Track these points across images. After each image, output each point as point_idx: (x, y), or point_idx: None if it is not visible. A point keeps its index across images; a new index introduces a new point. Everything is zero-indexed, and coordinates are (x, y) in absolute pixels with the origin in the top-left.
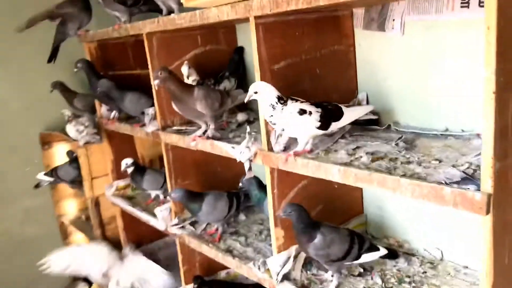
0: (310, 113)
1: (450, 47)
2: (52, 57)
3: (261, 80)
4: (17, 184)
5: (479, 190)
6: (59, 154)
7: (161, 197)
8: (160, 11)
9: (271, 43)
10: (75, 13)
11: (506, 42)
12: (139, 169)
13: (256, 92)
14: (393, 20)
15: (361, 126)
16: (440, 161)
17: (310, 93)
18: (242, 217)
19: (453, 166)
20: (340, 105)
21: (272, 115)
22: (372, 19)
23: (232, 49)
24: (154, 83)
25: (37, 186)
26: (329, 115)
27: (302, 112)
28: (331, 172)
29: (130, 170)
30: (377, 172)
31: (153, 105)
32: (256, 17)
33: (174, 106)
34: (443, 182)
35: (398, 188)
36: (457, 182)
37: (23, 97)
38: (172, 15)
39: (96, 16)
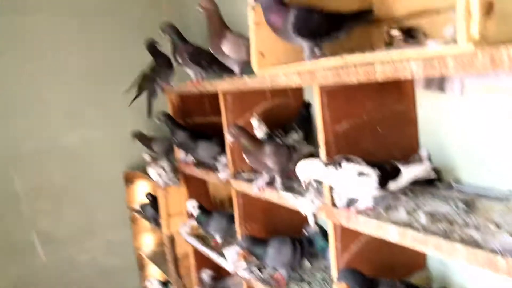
0: (368, 174)
1: (511, 109)
2: (150, 112)
3: (325, 139)
4: (102, 217)
5: None
6: (140, 191)
7: (220, 240)
8: (230, 71)
9: (334, 106)
10: (163, 72)
11: None
12: (205, 212)
13: (305, 180)
14: (452, 81)
15: (422, 182)
16: (498, 226)
17: (372, 151)
18: (306, 263)
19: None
20: (398, 164)
21: (330, 180)
22: (432, 80)
23: (299, 103)
24: (228, 139)
25: (136, 211)
26: (386, 175)
27: (360, 174)
28: (390, 233)
29: (196, 212)
30: (433, 236)
31: (222, 151)
32: (320, 86)
33: (245, 158)
34: (498, 251)
35: (454, 254)
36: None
37: (111, 137)
38: (245, 77)
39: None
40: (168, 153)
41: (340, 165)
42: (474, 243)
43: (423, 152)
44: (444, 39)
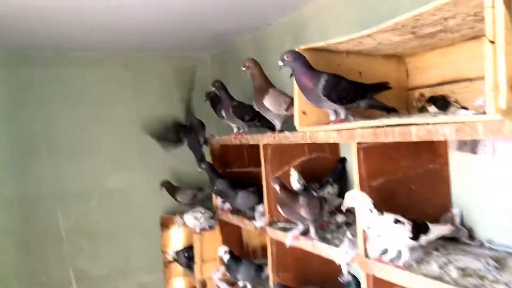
0: (404, 223)
1: None
2: (201, 161)
3: None
4: (137, 259)
5: None
6: (174, 236)
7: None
8: (270, 126)
9: (370, 163)
10: (198, 124)
11: None
12: (235, 259)
13: (353, 198)
14: (485, 145)
15: (454, 239)
16: None
17: (405, 207)
18: None
19: None
20: (426, 222)
21: (369, 219)
22: (465, 142)
23: (335, 157)
24: (274, 187)
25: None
26: (419, 228)
27: (397, 221)
28: (422, 285)
29: (226, 257)
30: None
31: (259, 201)
32: (357, 143)
33: (279, 209)
34: None
35: None
36: None
37: (151, 183)
38: (286, 133)
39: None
40: (193, 203)
41: (382, 213)
42: None
43: (455, 211)
44: (475, 108)
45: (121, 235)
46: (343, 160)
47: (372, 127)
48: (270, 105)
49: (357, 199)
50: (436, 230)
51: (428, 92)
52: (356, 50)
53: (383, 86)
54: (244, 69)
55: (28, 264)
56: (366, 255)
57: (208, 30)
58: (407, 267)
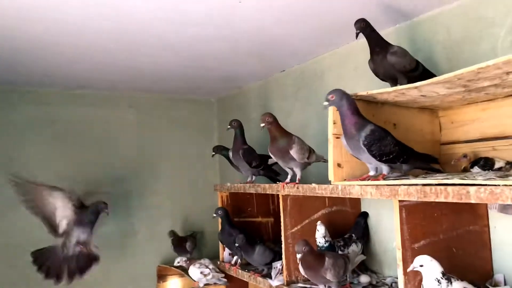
0: None
1: None
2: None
3: (403, 258)
4: None
5: None
6: None
7: None
8: (273, 179)
9: (412, 223)
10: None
11: None
12: None
13: (421, 266)
14: None
15: None
16: None
17: (447, 272)
18: None
19: None
20: None
21: None
22: (508, 204)
23: (356, 211)
24: (298, 256)
25: None
26: None
27: None
28: None
29: None
30: None
31: (275, 258)
32: (400, 201)
33: (301, 271)
34: None
35: None
36: None
37: (151, 231)
38: (313, 184)
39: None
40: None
41: (451, 282)
42: None
43: (498, 277)
44: None
45: (117, 285)
46: (365, 215)
47: (421, 185)
48: (295, 154)
49: (425, 266)
50: None
51: (465, 148)
52: (391, 101)
53: (430, 159)
54: (263, 124)
55: None
56: None
57: (220, 74)
58: None
